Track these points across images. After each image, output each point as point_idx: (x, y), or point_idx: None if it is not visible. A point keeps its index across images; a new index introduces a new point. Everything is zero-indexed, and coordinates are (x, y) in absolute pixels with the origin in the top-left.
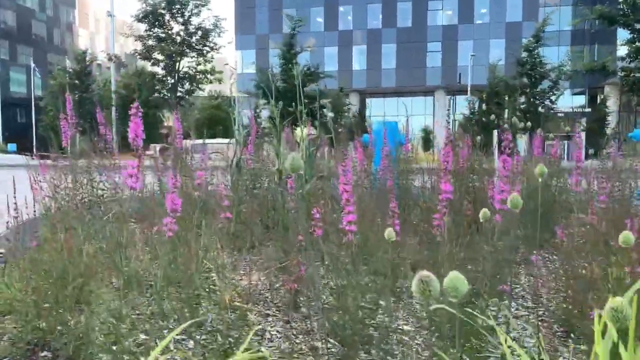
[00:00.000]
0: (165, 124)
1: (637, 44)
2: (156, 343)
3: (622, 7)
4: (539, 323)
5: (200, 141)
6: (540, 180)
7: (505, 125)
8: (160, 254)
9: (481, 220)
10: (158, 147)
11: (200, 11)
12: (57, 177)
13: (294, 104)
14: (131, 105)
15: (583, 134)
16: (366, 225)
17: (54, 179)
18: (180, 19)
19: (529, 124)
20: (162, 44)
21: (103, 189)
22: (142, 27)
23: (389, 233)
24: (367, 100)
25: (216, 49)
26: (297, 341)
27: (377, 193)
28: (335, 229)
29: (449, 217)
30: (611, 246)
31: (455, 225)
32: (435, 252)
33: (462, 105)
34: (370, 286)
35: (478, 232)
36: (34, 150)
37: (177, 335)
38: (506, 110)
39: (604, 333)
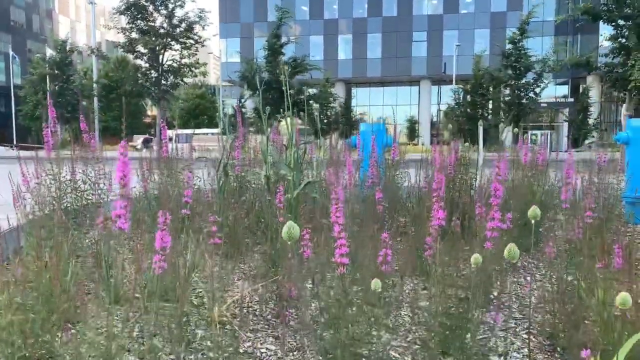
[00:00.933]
0: (149, 113)
1: (620, 40)
2: None
3: (606, 2)
4: (527, 337)
5: (185, 131)
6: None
7: (490, 117)
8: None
9: (472, 266)
10: (141, 138)
11: (184, 3)
12: (40, 187)
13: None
14: (112, 94)
15: (565, 124)
16: (356, 243)
17: (35, 190)
18: (164, 11)
19: (515, 129)
20: (146, 37)
21: (88, 199)
22: (123, 20)
23: (376, 284)
24: (353, 90)
25: (200, 42)
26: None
27: (366, 207)
28: (325, 248)
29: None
30: (596, 268)
31: (443, 239)
32: (425, 262)
33: (448, 95)
34: (362, 318)
35: (466, 241)
36: (14, 141)
37: (166, 355)
38: (490, 102)
39: None
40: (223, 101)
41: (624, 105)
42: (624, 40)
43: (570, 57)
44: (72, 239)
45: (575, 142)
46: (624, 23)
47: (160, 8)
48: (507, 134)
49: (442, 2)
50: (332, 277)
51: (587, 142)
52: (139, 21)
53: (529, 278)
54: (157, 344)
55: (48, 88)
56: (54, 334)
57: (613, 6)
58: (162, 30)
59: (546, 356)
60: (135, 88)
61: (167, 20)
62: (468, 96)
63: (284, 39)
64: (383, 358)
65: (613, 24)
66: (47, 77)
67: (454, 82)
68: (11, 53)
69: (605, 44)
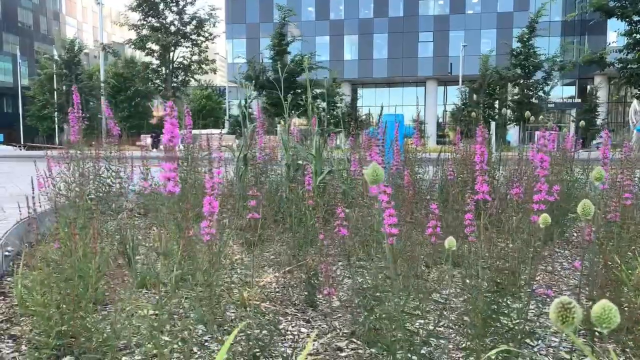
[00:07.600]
0: (155, 114)
1: (635, 35)
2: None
3: None
4: None
5: (192, 131)
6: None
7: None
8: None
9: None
10: (148, 137)
11: (194, 0)
12: (66, 172)
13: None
14: (121, 94)
15: (573, 125)
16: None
17: (64, 173)
18: (175, 8)
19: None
20: (157, 34)
21: (110, 185)
22: (135, 16)
23: (450, 243)
24: (359, 91)
25: (211, 39)
26: (322, 342)
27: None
28: (356, 228)
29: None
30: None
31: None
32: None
33: (454, 95)
34: (411, 294)
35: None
36: (22, 141)
37: (198, 336)
38: (497, 101)
39: None
40: (229, 102)
41: (635, 100)
42: (638, 36)
43: (583, 55)
44: (98, 222)
45: (583, 142)
46: (639, 18)
47: (171, 5)
48: (514, 134)
49: (449, 3)
50: (375, 252)
51: (594, 142)
52: (150, 18)
53: (557, 265)
54: (191, 322)
55: (55, 87)
56: (89, 311)
57: (627, 1)
58: (172, 28)
59: (585, 339)
60: (144, 86)
61: (178, 18)
62: (475, 96)
63: (289, 38)
64: (433, 334)
65: (627, 20)
66: (55, 76)
67: (460, 82)
68: (18, 54)
69: (613, 44)
